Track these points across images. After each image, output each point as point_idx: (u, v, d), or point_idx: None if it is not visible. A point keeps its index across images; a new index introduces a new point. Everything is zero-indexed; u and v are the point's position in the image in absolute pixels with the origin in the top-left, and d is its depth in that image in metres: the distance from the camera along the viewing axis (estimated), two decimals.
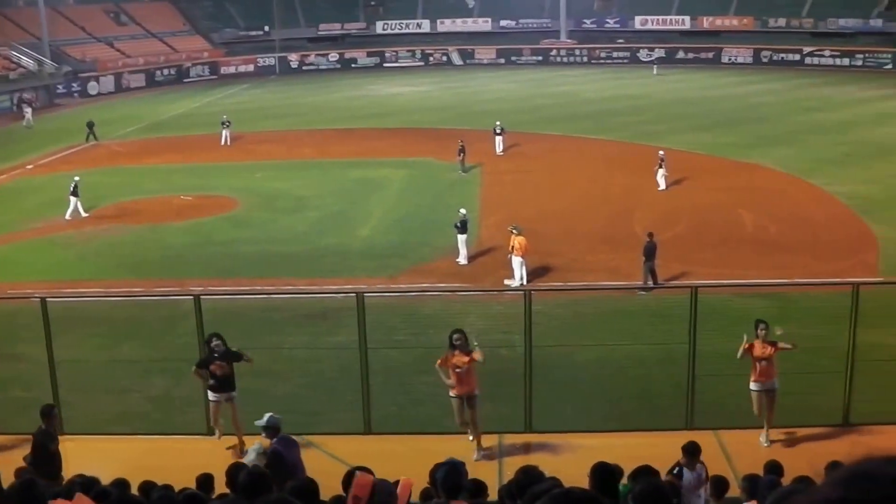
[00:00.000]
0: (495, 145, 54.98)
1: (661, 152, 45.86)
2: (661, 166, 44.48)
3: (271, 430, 15.45)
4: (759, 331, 19.06)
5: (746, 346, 19.02)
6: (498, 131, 55.26)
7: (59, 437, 16.78)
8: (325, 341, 25.64)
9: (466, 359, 18.60)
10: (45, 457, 15.76)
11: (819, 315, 24.24)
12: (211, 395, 19.20)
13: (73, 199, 41.60)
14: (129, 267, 34.78)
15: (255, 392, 22.05)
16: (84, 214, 41.83)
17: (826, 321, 23.03)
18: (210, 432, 19.48)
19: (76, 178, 42.39)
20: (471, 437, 19.09)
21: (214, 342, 19.01)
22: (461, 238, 33.71)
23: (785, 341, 19.15)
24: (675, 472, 14.37)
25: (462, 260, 33.65)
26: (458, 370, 18.63)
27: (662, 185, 44.43)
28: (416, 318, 26.01)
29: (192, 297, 21.02)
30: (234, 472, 11.35)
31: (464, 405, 18.82)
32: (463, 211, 34.52)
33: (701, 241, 36.17)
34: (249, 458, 15.45)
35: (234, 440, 19.33)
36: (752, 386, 19.21)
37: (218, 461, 17.07)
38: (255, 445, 15.51)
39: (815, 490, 2.60)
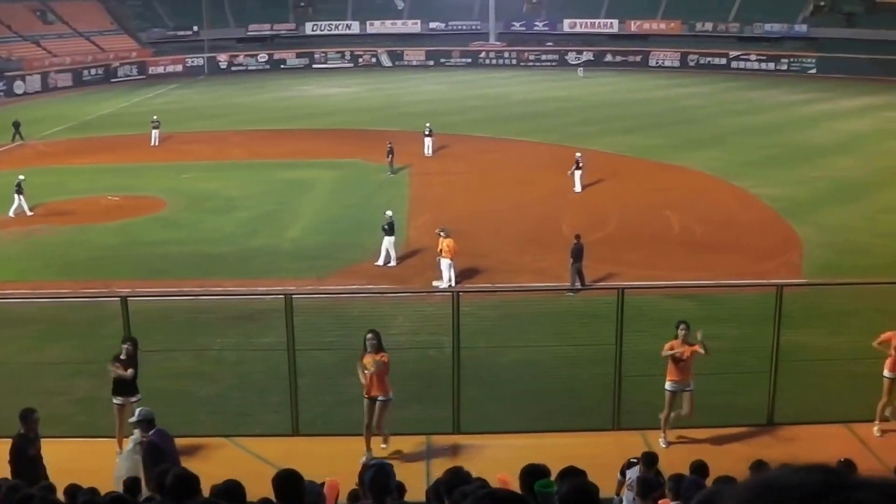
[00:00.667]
0: (424, 147, 55.09)
1: (578, 154, 46.19)
2: (577, 168, 44.89)
3: (145, 423, 15.45)
4: (679, 331, 19.26)
5: (669, 347, 19.22)
6: (427, 133, 55.42)
7: None
8: (253, 343, 25.48)
9: (375, 359, 18.65)
10: (24, 462, 15.44)
11: (744, 316, 24.61)
12: (114, 398, 18.99)
13: (17, 196, 41.30)
14: (56, 268, 34.37)
15: (182, 393, 21.96)
16: (29, 213, 41.51)
17: (751, 322, 23.39)
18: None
19: (21, 177, 42.07)
20: (379, 444, 19.11)
21: (126, 344, 18.84)
22: (389, 240, 33.65)
23: (704, 345, 19.32)
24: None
25: (387, 262, 33.61)
26: (367, 371, 18.67)
27: (578, 187, 44.92)
28: (344, 319, 25.91)
29: (118, 298, 20.86)
30: (161, 475, 11.30)
31: (374, 406, 18.84)
32: (389, 213, 34.40)
33: (628, 242, 36.48)
34: (127, 450, 15.50)
35: None
36: (668, 386, 19.40)
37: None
38: (134, 436, 15.53)
39: (725, 498, 2.67)
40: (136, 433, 15.62)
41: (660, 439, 19.43)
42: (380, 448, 19.16)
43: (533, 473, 9.70)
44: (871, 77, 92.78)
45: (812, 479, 2.51)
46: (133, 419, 15.80)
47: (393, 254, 33.74)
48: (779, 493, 2.50)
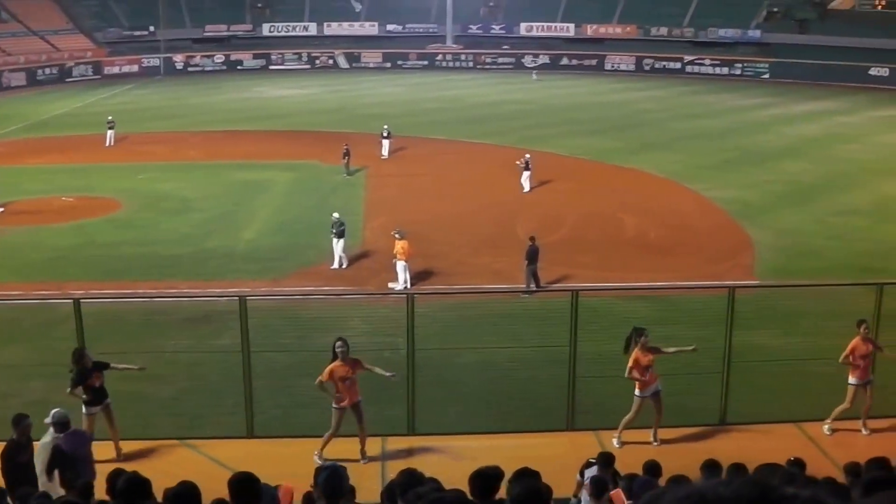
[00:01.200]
0: (382, 148, 55.12)
1: (527, 155, 46.42)
2: (525, 168, 45.14)
3: (59, 425, 15.40)
4: (641, 338, 19.40)
5: (632, 363, 19.36)
6: (385, 135, 55.42)
7: None
8: (208, 345, 25.41)
9: (352, 367, 18.63)
10: (13, 467, 15.25)
11: (698, 317, 24.76)
12: (89, 410, 18.74)
13: None
14: (9, 269, 34.00)
15: (136, 396, 21.84)
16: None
17: (704, 323, 23.54)
18: None
19: None
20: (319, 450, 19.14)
21: (87, 356, 18.71)
22: (338, 243, 33.53)
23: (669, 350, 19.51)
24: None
25: (335, 265, 33.51)
26: (346, 381, 18.59)
27: (527, 188, 45.24)
28: (300, 321, 25.90)
29: (71, 300, 20.76)
30: (113, 479, 11.26)
31: (345, 414, 18.82)
32: (336, 215, 34.16)
33: (583, 244, 36.69)
34: (43, 442, 15.41)
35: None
36: (637, 393, 19.55)
37: (98, 467, 16.91)
38: (47, 439, 15.48)
39: None
40: (48, 435, 15.54)
41: (613, 440, 19.57)
42: (358, 452, 19.08)
43: (483, 477, 9.77)
44: (822, 82, 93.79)
45: (743, 492, 2.65)
46: (48, 419, 15.67)
47: (343, 256, 33.66)
48: None
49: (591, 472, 14.49)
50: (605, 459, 14.77)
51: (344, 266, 33.52)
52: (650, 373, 19.35)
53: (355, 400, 18.78)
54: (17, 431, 15.53)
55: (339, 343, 18.69)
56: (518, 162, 45.88)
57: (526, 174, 45.23)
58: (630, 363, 19.33)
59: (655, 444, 19.56)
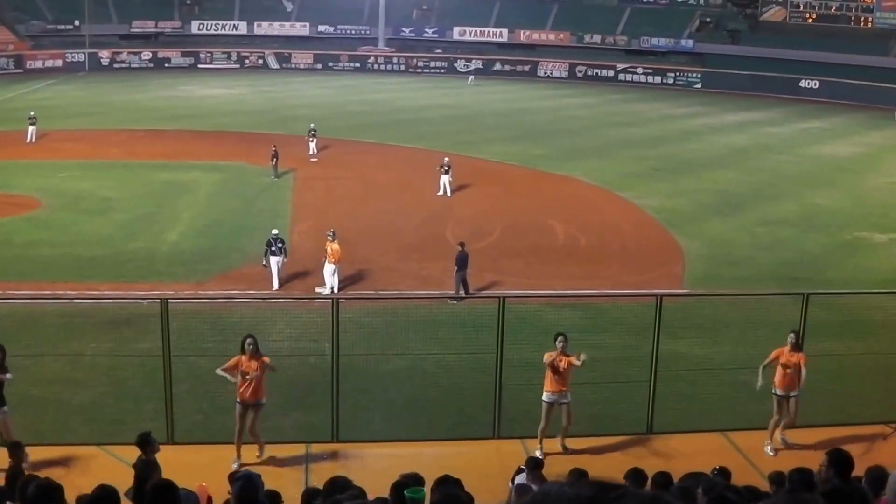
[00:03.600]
0: (308, 149, 54.98)
1: (446, 159, 46.32)
2: (446, 172, 45.01)
3: None
4: (557, 343, 19.25)
5: (548, 357, 19.23)
6: (312, 134, 55.48)
7: None
8: (129, 348, 24.96)
9: (256, 364, 18.39)
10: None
11: (625, 325, 24.83)
12: None
13: None
14: None
15: (53, 401, 21.37)
16: None
17: (632, 331, 23.60)
18: None
19: None
20: (254, 453, 18.83)
21: None
22: (275, 260, 31.79)
23: (582, 359, 19.33)
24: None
25: (276, 286, 31.57)
26: (247, 377, 18.48)
27: (448, 192, 45.11)
28: (223, 325, 25.56)
29: None
30: (23, 485, 10.84)
31: (247, 412, 18.58)
32: (275, 231, 32.89)
33: (512, 251, 36.57)
34: None
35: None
36: (544, 397, 19.41)
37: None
38: None
39: None
40: None
41: (536, 451, 19.39)
42: (255, 457, 18.80)
43: (404, 485, 9.57)
44: (753, 93, 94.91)
45: (583, 492, 2.98)
46: None
47: (278, 275, 31.82)
48: (553, 502, 2.97)
49: (521, 478, 14.36)
50: (534, 464, 14.69)
51: (276, 288, 31.65)
52: (562, 379, 19.17)
53: (258, 399, 18.68)
54: (146, 451, 15.19)
55: (249, 340, 18.76)
56: (437, 167, 45.62)
57: (445, 178, 45.03)
58: (546, 357, 19.33)
59: (541, 455, 19.34)
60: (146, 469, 14.83)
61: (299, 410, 20.29)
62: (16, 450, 15.46)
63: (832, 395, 22.42)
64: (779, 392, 20.06)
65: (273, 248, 31.84)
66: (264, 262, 31.85)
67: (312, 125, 56.26)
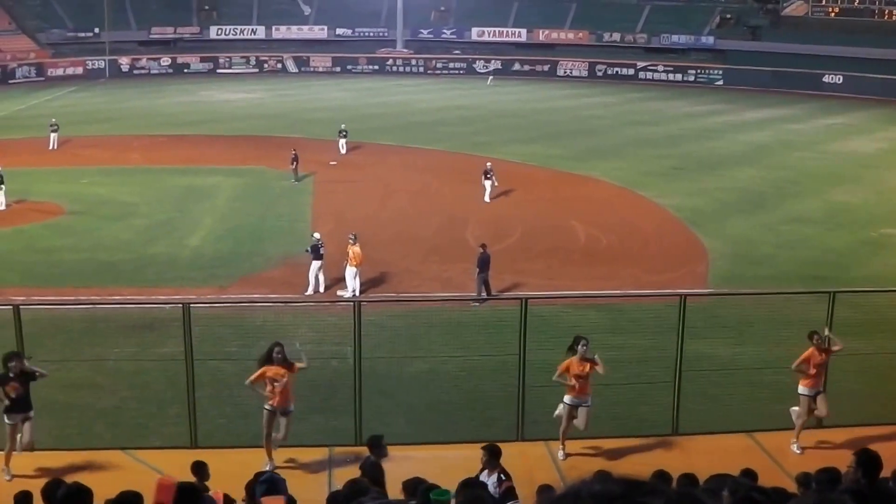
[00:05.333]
0: (339, 148, 56.30)
1: (489, 164, 45.96)
2: (488, 177, 44.64)
3: None
4: (579, 347, 19.10)
5: (563, 367, 19.09)
6: (343, 134, 56.79)
7: None
8: (151, 353, 24.99)
9: (284, 371, 18.33)
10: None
11: (649, 326, 24.67)
12: (8, 418, 18.09)
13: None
14: None
15: (77, 405, 21.40)
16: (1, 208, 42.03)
17: (655, 332, 23.43)
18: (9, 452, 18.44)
19: None
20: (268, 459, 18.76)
21: (11, 363, 18.02)
22: (314, 265, 31.68)
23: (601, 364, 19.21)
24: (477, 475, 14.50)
25: (311, 290, 31.55)
26: (276, 383, 18.41)
27: (487, 198, 44.58)
28: (245, 329, 25.58)
29: (10, 306, 20.20)
30: (51, 489, 10.84)
31: (275, 418, 18.50)
32: (317, 235, 32.57)
33: (534, 252, 36.47)
34: None
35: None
36: (566, 399, 19.27)
37: (36, 478, 16.42)
38: None
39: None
40: None
41: (559, 451, 19.29)
42: (281, 461, 18.75)
43: (427, 490, 9.56)
44: (775, 89, 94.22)
45: (613, 489, 2.99)
46: None
47: (318, 279, 31.77)
48: (583, 501, 2.98)
49: (484, 476, 14.52)
50: (494, 450, 14.90)
51: (320, 290, 31.73)
52: (583, 382, 19.05)
53: (286, 405, 18.57)
54: (376, 452, 15.36)
55: (277, 349, 18.62)
56: (486, 173, 44.94)
57: (488, 183, 44.54)
58: (561, 367, 19.13)
59: (563, 457, 19.27)
60: (373, 471, 14.92)
61: (322, 414, 20.24)
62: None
63: (860, 394, 22.25)
64: (806, 392, 19.88)
65: (318, 253, 31.67)
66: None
67: (343, 125, 57.32)
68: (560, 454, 19.27)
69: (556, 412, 19.40)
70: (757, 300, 27.99)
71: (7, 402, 17.99)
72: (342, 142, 56.91)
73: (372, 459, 15.24)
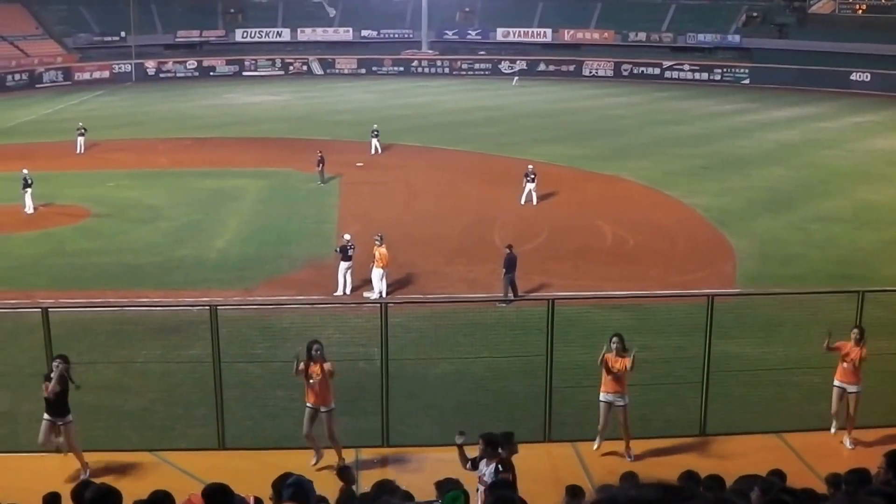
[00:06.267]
0: (372, 147, 57.13)
1: (531, 166, 45.57)
2: (531, 180, 44.34)
3: None
4: (612, 344, 19.02)
5: (602, 357, 19.03)
6: (375, 134, 57.53)
7: None
8: (178, 355, 25.08)
9: (318, 368, 18.33)
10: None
11: (676, 326, 24.55)
12: (45, 416, 18.19)
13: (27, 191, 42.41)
14: None
15: (106, 407, 21.45)
16: (30, 211, 42.38)
17: (683, 332, 23.32)
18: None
19: (25, 172, 42.92)
20: (314, 460, 18.73)
21: (55, 362, 18.08)
22: (344, 266, 31.75)
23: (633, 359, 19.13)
24: (474, 460, 14.69)
25: (340, 291, 31.56)
26: (311, 381, 18.44)
27: (533, 200, 44.18)
28: (272, 331, 25.63)
29: (39, 309, 20.27)
30: (80, 490, 10.86)
31: (315, 416, 18.47)
32: (347, 236, 32.52)
33: (561, 252, 36.38)
34: None
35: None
36: (601, 397, 19.21)
37: (65, 479, 16.50)
38: None
39: None
40: None
41: (594, 444, 19.27)
42: (310, 465, 18.70)
43: (443, 486, 9.57)
44: (802, 88, 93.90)
45: (648, 494, 2.98)
46: None
47: (349, 281, 31.80)
48: None
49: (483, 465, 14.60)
50: (490, 439, 14.89)
51: (347, 292, 31.75)
52: (619, 381, 18.98)
53: (325, 403, 18.55)
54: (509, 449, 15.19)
55: (316, 346, 18.56)
56: (527, 175, 44.50)
57: (531, 186, 44.15)
58: (600, 358, 19.12)
59: (630, 459, 19.21)
60: (503, 466, 14.98)
61: (349, 415, 20.23)
62: None
63: (890, 394, 22.06)
64: (837, 384, 19.74)
65: (347, 254, 31.68)
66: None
67: (375, 126, 58.10)
68: (594, 445, 19.28)
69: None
70: (785, 300, 27.82)
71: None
72: (375, 142, 57.49)
73: (503, 455, 15.31)
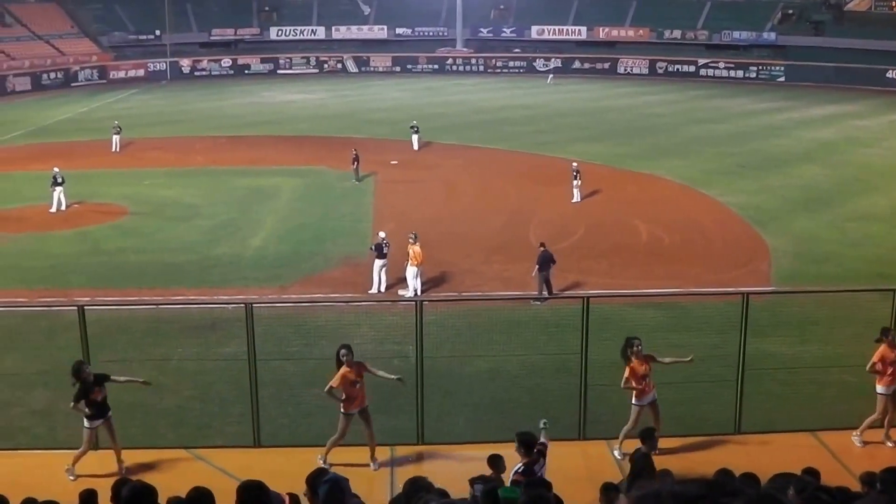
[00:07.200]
0: (412, 143, 57.83)
1: (575, 164, 45.57)
2: (576, 178, 44.27)
3: None
4: (634, 348, 19.00)
5: (628, 373, 18.98)
6: (414, 129, 58.31)
7: None
8: (214, 353, 25.19)
9: (356, 370, 18.29)
10: None
11: (711, 324, 24.48)
12: (91, 424, 18.24)
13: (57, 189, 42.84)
14: (11, 277, 33.67)
15: (141, 406, 21.55)
16: (54, 209, 42.71)
17: (718, 330, 23.27)
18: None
19: (55, 170, 43.26)
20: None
21: (86, 370, 18.21)
22: (379, 263, 31.76)
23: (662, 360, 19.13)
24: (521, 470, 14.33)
25: (374, 289, 31.64)
26: (357, 384, 18.32)
27: (577, 198, 44.22)
28: (307, 328, 25.66)
29: (76, 307, 20.40)
30: (118, 488, 10.94)
31: (352, 421, 18.45)
32: (382, 234, 32.62)
33: (596, 251, 36.31)
34: None
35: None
36: (635, 402, 19.17)
37: (101, 476, 16.60)
38: None
39: None
40: None
41: (615, 451, 19.23)
42: (368, 459, 18.74)
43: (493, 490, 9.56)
44: (838, 85, 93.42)
45: (692, 489, 3.03)
46: None
47: (381, 279, 31.82)
48: (664, 501, 3.00)
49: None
50: (519, 440, 14.80)
51: (382, 290, 31.86)
52: (647, 381, 18.95)
53: (364, 405, 18.53)
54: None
55: (343, 350, 18.41)
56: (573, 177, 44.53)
57: (576, 183, 44.20)
58: (626, 373, 19.02)
59: (619, 456, 19.16)
60: (643, 461, 15.25)
61: (384, 413, 20.24)
62: None
63: None
64: (883, 390, 19.59)
65: (382, 252, 31.72)
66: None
67: (414, 122, 59.05)
68: (616, 453, 19.17)
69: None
70: (820, 298, 27.67)
71: (92, 409, 18.18)
72: (415, 138, 58.13)
73: (643, 451, 15.45)
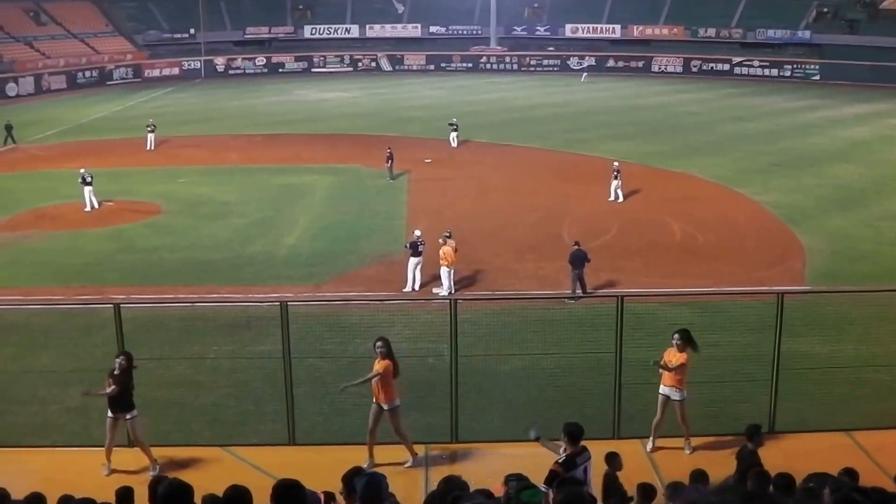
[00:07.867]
0: (450, 140, 58.17)
1: (616, 163, 45.47)
2: (616, 177, 44.10)
3: None
4: (674, 340, 18.98)
5: (663, 361, 18.98)
6: (453, 126, 58.55)
7: None
8: (249, 350, 25.27)
9: (382, 365, 18.34)
10: None
11: (745, 323, 24.40)
12: (108, 413, 18.38)
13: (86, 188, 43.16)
14: (48, 274, 33.93)
15: (177, 403, 21.70)
16: (88, 207, 43.17)
17: (752, 329, 23.19)
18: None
19: (82, 170, 43.63)
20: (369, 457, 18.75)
21: (118, 359, 18.27)
22: (413, 261, 31.79)
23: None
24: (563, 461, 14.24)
25: (409, 287, 31.71)
26: (383, 378, 18.39)
27: (616, 197, 44.10)
28: (341, 326, 25.70)
29: (111, 305, 20.53)
30: (154, 485, 11.04)
31: (381, 414, 18.51)
32: (418, 232, 32.66)
33: (629, 249, 36.23)
34: None
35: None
36: (660, 389, 19.20)
37: (138, 474, 16.72)
38: None
39: None
40: None
41: (648, 444, 19.27)
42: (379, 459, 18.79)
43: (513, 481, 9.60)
44: (873, 84, 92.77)
45: (728, 500, 3.02)
46: None
47: (418, 277, 31.89)
48: None
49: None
50: (565, 431, 14.59)
51: (416, 288, 31.91)
52: (675, 375, 18.94)
53: (391, 401, 18.47)
54: None
55: (379, 343, 18.42)
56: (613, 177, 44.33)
57: (615, 183, 44.05)
58: (662, 360, 19.11)
59: (689, 452, 19.16)
60: (750, 459, 15.21)
61: (418, 411, 20.28)
62: None
63: None
64: None
65: (417, 250, 31.74)
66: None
67: (454, 119, 59.29)
68: (648, 446, 19.18)
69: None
70: (855, 297, 27.50)
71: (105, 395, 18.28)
72: (453, 135, 58.35)
73: (749, 448, 15.46)
